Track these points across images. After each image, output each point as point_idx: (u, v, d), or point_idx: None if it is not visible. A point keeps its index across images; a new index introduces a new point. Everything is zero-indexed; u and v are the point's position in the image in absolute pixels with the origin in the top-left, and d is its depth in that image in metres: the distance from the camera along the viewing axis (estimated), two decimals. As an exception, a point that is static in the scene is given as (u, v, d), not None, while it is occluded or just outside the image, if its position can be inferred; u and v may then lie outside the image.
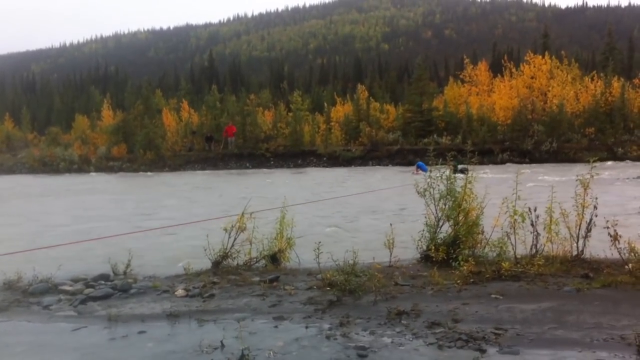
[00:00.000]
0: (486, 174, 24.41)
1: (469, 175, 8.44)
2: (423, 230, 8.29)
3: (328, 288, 6.66)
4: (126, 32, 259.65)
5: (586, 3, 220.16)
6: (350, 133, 44.41)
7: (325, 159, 40.58)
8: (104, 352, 5.00)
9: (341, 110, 50.06)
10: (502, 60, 49.84)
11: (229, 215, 8.80)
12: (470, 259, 7.24)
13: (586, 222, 7.56)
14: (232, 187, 25.84)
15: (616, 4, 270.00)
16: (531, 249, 7.81)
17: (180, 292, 6.92)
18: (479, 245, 8.11)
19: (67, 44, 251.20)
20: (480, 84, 48.62)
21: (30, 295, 7.05)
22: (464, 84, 50.17)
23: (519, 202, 7.75)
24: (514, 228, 7.69)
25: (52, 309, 6.54)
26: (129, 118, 45.12)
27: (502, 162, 35.57)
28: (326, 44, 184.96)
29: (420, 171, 31.82)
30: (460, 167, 17.84)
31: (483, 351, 4.63)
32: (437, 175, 8.28)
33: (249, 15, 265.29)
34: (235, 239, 8.17)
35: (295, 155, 41.41)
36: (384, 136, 42.61)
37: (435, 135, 40.43)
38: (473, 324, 5.33)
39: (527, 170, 27.15)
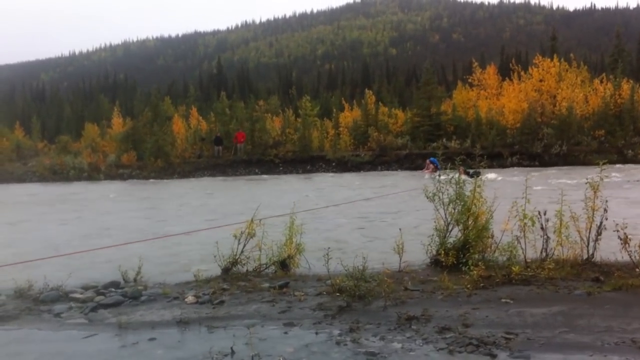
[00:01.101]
0: (495, 178, 24.36)
1: (479, 178, 8.44)
2: (432, 235, 8.28)
3: (338, 294, 6.65)
4: (135, 40, 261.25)
5: (594, 5, 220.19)
6: (359, 138, 44.40)
7: (334, 164, 40.59)
8: (115, 359, 5.01)
9: (349, 116, 50.13)
10: (511, 64, 49.75)
11: (238, 222, 8.81)
12: (480, 263, 7.22)
13: (596, 225, 7.53)
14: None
15: (624, 5, 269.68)
16: (541, 252, 7.78)
17: (190, 298, 6.93)
18: (488, 249, 8.09)
19: (76, 53, 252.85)
20: (488, 87, 48.51)
21: (41, 303, 7.07)
22: (473, 88, 50.06)
23: (529, 206, 7.73)
24: (524, 232, 7.67)
25: (62, 316, 6.56)
26: (138, 125, 45.25)
27: (512, 166, 35.52)
28: (334, 49, 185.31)
29: (432, 166, 31.74)
30: (471, 171, 17.87)
31: (494, 356, 4.61)
32: (446, 179, 8.27)
33: (257, 21, 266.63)
34: (244, 245, 8.19)
35: (304, 160, 41.42)
36: (393, 141, 42.55)
37: (444, 140, 40.48)
38: (483, 328, 5.31)
39: (537, 174, 27.16)
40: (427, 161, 33.86)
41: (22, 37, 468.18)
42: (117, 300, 7.08)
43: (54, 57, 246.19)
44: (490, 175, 25.15)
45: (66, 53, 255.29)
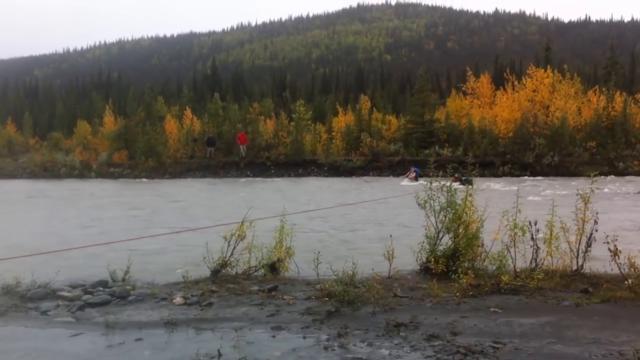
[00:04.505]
0: (487, 187, 24.42)
1: (470, 187, 8.46)
2: (423, 242, 8.28)
3: (327, 298, 6.64)
4: (130, 38, 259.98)
5: (589, 17, 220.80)
6: (352, 143, 44.43)
7: (326, 168, 40.58)
8: (101, 359, 4.98)
9: (343, 120, 50.11)
10: (505, 73, 49.95)
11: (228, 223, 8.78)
12: (469, 271, 7.22)
13: (586, 236, 7.56)
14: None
15: (619, 18, 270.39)
16: (531, 262, 7.80)
17: (178, 300, 6.90)
18: (478, 258, 8.10)
19: (71, 50, 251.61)
20: (482, 96, 48.66)
21: (28, 301, 7.04)
22: (466, 96, 50.21)
23: (519, 216, 7.74)
24: (514, 241, 7.69)
25: (49, 314, 6.52)
26: (131, 124, 45.16)
27: (503, 175, 35.62)
28: (329, 53, 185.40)
29: (414, 174, 32.17)
30: (464, 177, 18.01)
31: (481, 365, 4.61)
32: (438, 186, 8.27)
33: (253, 24, 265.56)
34: (234, 248, 8.16)
35: (296, 164, 41.38)
36: (385, 147, 42.63)
37: (436, 147, 40.54)
38: (471, 337, 5.31)
39: (528, 184, 27.24)
40: (411, 168, 34.07)
41: (16, 32, 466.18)
42: (104, 299, 7.05)
43: (48, 54, 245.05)
44: (483, 185, 25.24)
45: (60, 50, 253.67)
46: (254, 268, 8.28)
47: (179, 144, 46.03)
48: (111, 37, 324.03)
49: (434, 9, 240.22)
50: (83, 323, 6.18)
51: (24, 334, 5.82)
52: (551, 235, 7.64)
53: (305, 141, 44.35)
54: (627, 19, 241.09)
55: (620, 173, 35.01)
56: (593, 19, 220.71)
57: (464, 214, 8.10)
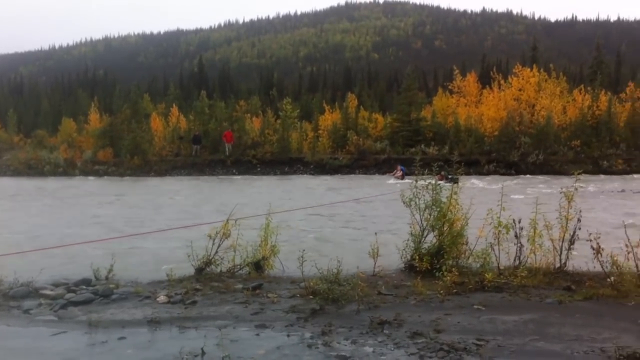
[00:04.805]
0: (472, 185, 24.52)
1: (455, 185, 8.48)
2: (407, 240, 8.29)
3: (311, 296, 6.64)
4: (116, 35, 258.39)
5: (575, 17, 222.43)
6: (338, 141, 44.37)
7: (312, 166, 40.49)
8: (83, 357, 4.95)
9: (329, 119, 50.05)
10: (491, 72, 50.11)
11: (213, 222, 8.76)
12: (453, 269, 7.25)
13: (569, 234, 7.60)
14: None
15: (605, 18, 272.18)
16: (514, 260, 7.84)
17: (162, 298, 6.88)
18: (463, 255, 8.13)
19: (57, 47, 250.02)
20: (468, 95, 48.78)
21: (10, 299, 6.98)
22: (453, 95, 50.30)
23: (504, 214, 7.78)
24: (498, 239, 7.73)
25: (32, 313, 6.48)
26: (116, 122, 44.83)
27: (488, 173, 35.71)
28: (316, 52, 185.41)
29: (400, 173, 32.31)
30: (450, 176, 18.13)
31: (464, 362, 4.62)
32: (424, 184, 8.29)
33: (240, 21, 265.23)
34: (219, 246, 8.14)
35: (283, 162, 41.24)
36: (372, 145, 42.60)
37: (422, 145, 40.56)
38: (455, 334, 5.33)
39: (513, 182, 27.37)
40: (397, 166, 34.17)
41: (1, 29, 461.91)
42: (87, 298, 7.00)
43: (33, 51, 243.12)
44: (468, 183, 25.36)
45: (46, 47, 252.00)
46: (238, 266, 8.26)
47: (164, 141, 45.81)
48: (97, 34, 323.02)
49: (422, 7, 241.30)
50: (66, 322, 6.15)
51: (6, 332, 5.78)
52: (535, 233, 7.68)
53: (291, 139, 44.29)
54: (613, 18, 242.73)
55: (604, 172, 35.30)
56: (579, 18, 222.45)
57: (449, 212, 8.12)
